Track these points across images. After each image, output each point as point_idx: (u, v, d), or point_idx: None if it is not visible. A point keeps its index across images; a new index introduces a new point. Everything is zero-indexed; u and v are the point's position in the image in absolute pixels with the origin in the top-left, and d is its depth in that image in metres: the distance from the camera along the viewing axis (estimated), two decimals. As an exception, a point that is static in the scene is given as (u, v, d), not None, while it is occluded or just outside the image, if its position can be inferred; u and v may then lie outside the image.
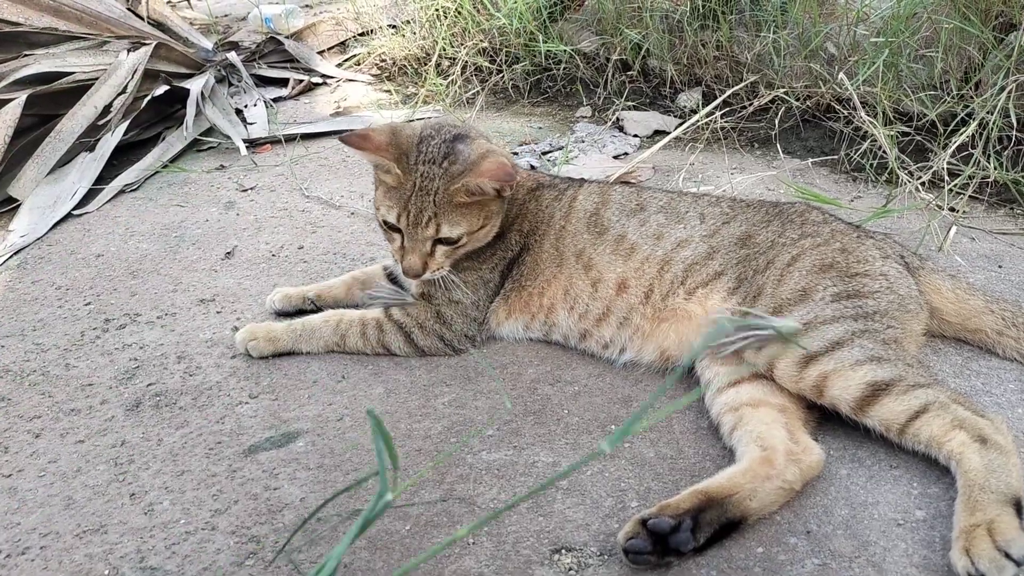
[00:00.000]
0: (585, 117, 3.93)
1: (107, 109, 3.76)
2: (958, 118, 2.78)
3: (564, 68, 4.08)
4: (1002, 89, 2.55)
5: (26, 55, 3.90)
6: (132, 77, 3.91)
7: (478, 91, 4.17)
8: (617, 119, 3.73)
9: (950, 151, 2.57)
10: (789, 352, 1.79)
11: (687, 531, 1.52)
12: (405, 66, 4.70)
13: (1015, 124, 2.60)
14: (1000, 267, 2.39)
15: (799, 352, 1.78)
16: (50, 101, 3.68)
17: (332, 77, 4.83)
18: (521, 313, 2.24)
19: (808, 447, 1.70)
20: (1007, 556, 1.39)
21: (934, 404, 1.65)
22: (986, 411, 1.67)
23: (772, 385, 1.84)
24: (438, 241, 2.09)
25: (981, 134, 2.65)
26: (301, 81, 4.70)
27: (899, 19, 2.83)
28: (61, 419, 2.07)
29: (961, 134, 2.61)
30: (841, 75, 2.80)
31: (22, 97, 3.42)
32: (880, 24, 2.94)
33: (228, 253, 2.87)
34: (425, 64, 4.56)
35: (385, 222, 2.12)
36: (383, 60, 4.86)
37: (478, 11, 4.17)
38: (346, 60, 5.05)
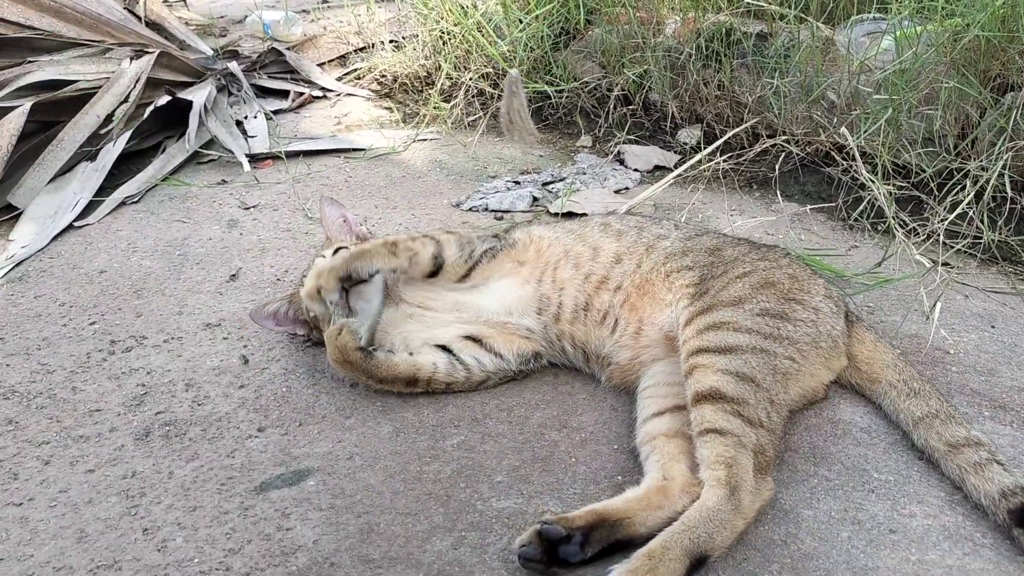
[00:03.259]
0: (586, 147, 3.98)
1: (109, 118, 3.75)
2: (954, 177, 2.86)
3: (566, 97, 4.13)
4: (1000, 153, 2.63)
5: (30, 61, 3.89)
6: (135, 86, 3.90)
7: (480, 115, 4.21)
8: (618, 152, 3.79)
9: (953, 214, 2.65)
10: (697, 339, 2.00)
11: (576, 544, 1.66)
12: (406, 84, 4.72)
13: (1010, 186, 2.68)
14: (993, 327, 2.47)
15: (700, 342, 1.98)
16: (52, 108, 3.67)
17: (332, 90, 4.84)
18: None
19: None
20: None
21: (732, 438, 1.78)
22: (768, 475, 1.81)
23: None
24: None
25: (978, 195, 2.73)
26: (302, 94, 4.71)
27: (901, 76, 2.91)
28: (70, 446, 2.08)
29: (959, 194, 2.69)
30: (843, 129, 2.87)
31: (26, 105, 3.41)
32: (881, 78, 3.01)
33: (233, 276, 2.88)
34: (427, 83, 4.59)
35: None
36: (383, 76, 4.88)
37: (483, 36, 4.20)
38: (346, 74, 5.06)
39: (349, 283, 2.24)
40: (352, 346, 2.14)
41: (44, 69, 3.84)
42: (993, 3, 2.72)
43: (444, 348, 2.26)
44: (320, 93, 4.80)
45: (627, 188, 3.52)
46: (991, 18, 2.79)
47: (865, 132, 2.87)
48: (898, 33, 2.94)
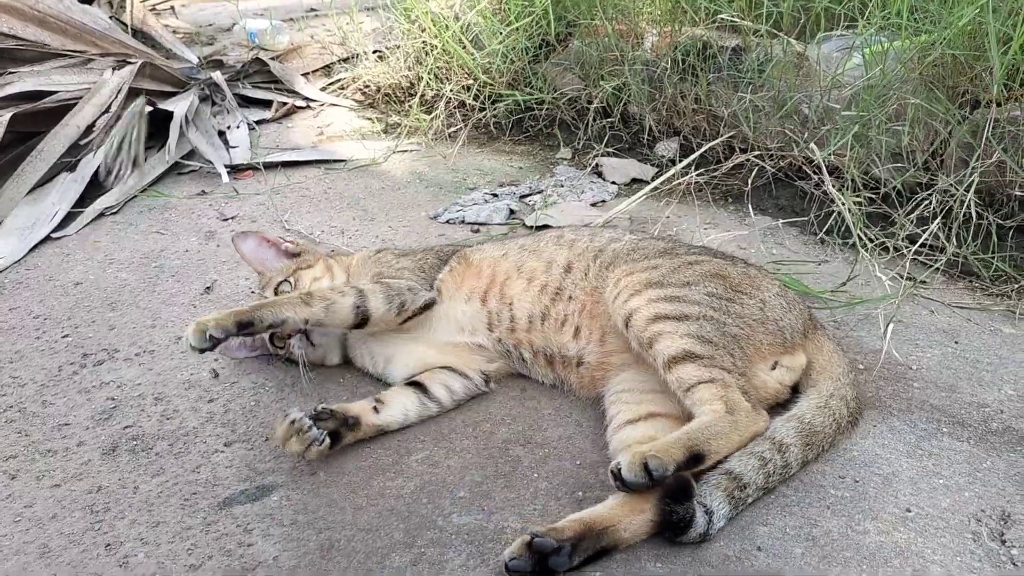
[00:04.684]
0: (565, 159, 4.01)
1: (90, 128, 3.77)
2: (921, 190, 2.89)
3: (546, 109, 4.16)
4: (967, 165, 2.66)
5: (11, 72, 3.91)
6: (116, 96, 3.92)
7: (460, 127, 4.24)
8: (596, 165, 3.81)
9: (920, 229, 2.69)
10: (650, 307, 2.07)
11: (565, 555, 1.70)
12: (389, 94, 4.75)
13: (976, 203, 2.70)
14: (956, 343, 2.49)
15: (656, 309, 2.06)
16: (32, 119, 3.69)
17: (315, 101, 4.87)
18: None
19: None
20: (644, 467, 1.73)
21: (719, 382, 1.93)
22: (760, 409, 1.96)
23: (667, 423, 2.00)
24: None
25: (942, 209, 2.76)
26: (285, 104, 4.73)
27: (870, 92, 2.94)
28: (37, 460, 2.10)
29: (926, 209, 2.73)
30: (812, 145, 2.90)
31: (5, 116, 3.44)
32: (851, 95, 3.04)
33: (207, 288, 2.90)
34: (410, 93, 4.61)
35: None
36: (367, 86, 4.90)
37: (463, 49, 4.23)
38: (330, 84, 5.09)
39: (253, 331, 2.13)
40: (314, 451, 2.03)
41: (24, 80, 3.87)
42: (958, 21, 2.75)
43: (415, 384, 2.28)
44: (304, 103, 4.82)
45: (604, 201, 3.55)
46: (958, 35, 2.82)
47: (835, 147, 2.90)
48: (866, 50, 2.97)
